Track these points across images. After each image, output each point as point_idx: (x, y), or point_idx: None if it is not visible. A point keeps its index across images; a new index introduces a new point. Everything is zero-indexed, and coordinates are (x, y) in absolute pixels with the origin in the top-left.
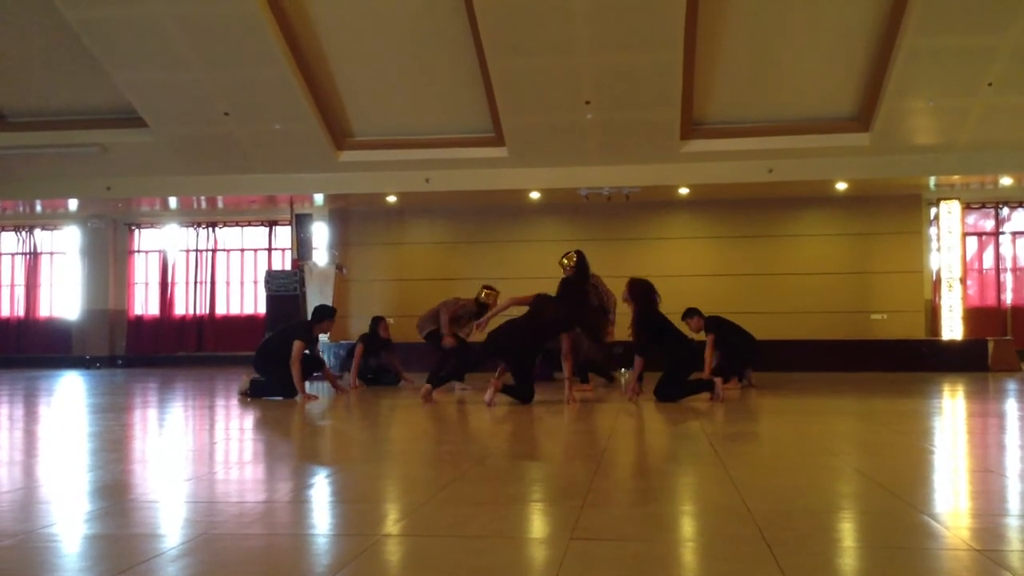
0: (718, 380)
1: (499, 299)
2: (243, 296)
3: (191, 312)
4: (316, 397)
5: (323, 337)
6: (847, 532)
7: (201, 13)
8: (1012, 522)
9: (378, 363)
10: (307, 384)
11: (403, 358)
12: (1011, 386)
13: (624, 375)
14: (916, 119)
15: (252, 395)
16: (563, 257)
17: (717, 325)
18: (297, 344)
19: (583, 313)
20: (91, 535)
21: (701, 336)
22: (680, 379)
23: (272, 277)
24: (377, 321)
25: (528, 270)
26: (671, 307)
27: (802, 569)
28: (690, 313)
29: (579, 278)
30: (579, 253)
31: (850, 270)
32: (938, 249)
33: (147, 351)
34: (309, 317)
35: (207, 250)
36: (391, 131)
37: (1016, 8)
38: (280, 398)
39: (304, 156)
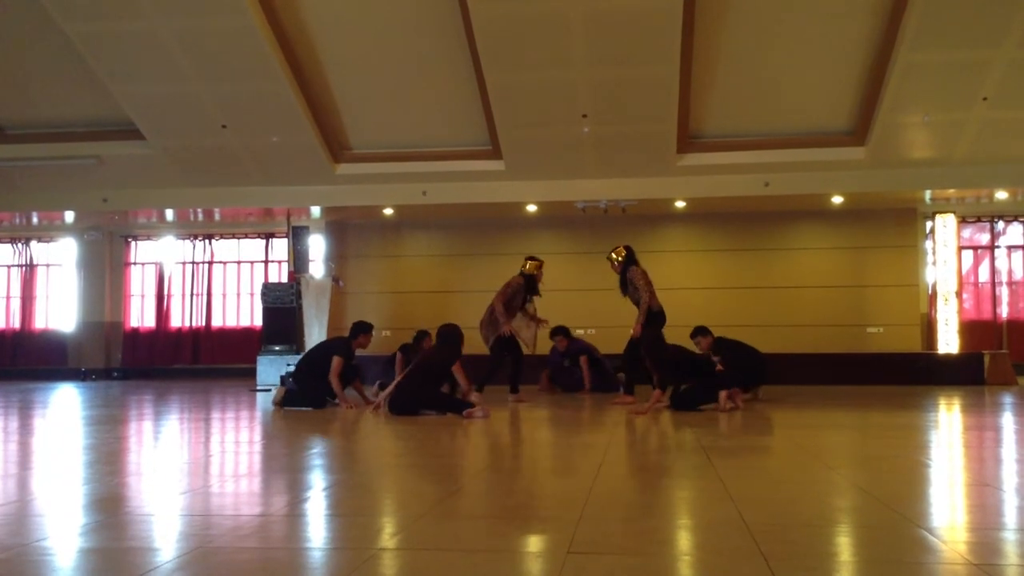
0: (723, 393)
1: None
2: (239, 308)
3: (187, 324)
4: (355, 405)
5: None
6: (844, 546)
7: (199, 26)
8: (1009, 536)
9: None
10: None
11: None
12: (1007, 399)
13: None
14: (911, 133)
15: (285, 405)
16: (612, 252)
17: (724, 348)
18: (336, 360)
19: (457, 349)
20: (86, 549)
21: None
22: (696, 394)
23: (268, 289)
24: (422, 336)
25: None
26: (668, 320)
27: None
28: (702, 332)
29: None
30: (628, 248)
31: (846, 283)
32: (934, 263)
33: (143, 363)
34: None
35: (204, 262)
36: (388, 144)
37: (1010, 23)
38: (310, 408)
39: (301, 169)
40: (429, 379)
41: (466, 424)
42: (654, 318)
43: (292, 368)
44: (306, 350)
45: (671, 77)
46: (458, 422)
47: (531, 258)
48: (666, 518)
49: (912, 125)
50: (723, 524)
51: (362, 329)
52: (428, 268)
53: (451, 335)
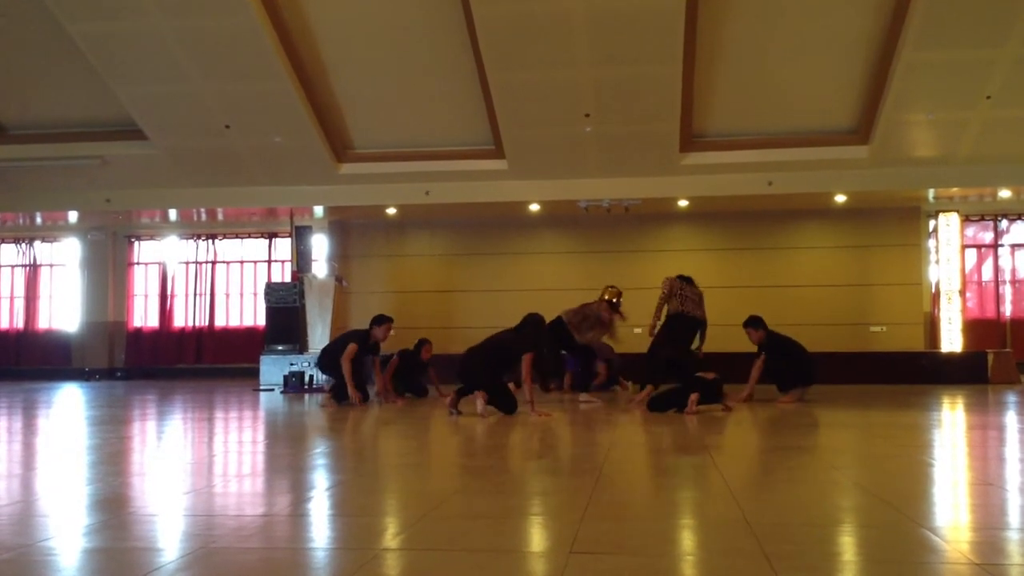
0: (693, 396)
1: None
2: (242, 308)
3: (190, 324)
4: (363, 397)
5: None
6: (847, 546)
7: (202, 26)
8: (1012, 536)
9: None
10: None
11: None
12: (1011, 398)
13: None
14: (915, 132)
15: (336, 399)
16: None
17: (774, 346)
18: (351, 346)
19: (535, 339)
20: (89, 549)
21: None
22: (671, 397)
23: (272, 289)
24: (421, 344)
25: (528, 282)
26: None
27: None
28: (754, 324)
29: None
30: (682, 276)
31: (849, 282)
32: (937, 261)
33: (146, 363)
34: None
35: (207, 262)
36: (391, 143)
37: (1014, 22)
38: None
39: (304, 168)
40: (494, 357)
41: (470, 423)
42: (685, 322)
43: (296, 368)
44: (322, 346)
45: (674, 76)
46: (461, 422)
47: (611, 287)
48: (669, 518)
49: (916, 124)
50: (726, 524)
51: (376, 321)
52: (431, 267)
53: (531, 323)
